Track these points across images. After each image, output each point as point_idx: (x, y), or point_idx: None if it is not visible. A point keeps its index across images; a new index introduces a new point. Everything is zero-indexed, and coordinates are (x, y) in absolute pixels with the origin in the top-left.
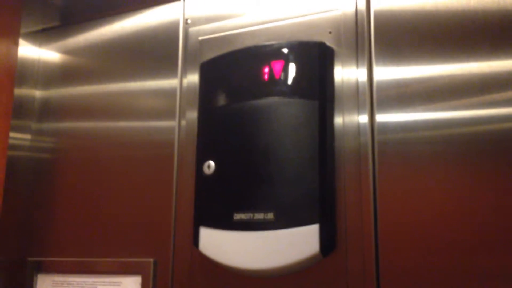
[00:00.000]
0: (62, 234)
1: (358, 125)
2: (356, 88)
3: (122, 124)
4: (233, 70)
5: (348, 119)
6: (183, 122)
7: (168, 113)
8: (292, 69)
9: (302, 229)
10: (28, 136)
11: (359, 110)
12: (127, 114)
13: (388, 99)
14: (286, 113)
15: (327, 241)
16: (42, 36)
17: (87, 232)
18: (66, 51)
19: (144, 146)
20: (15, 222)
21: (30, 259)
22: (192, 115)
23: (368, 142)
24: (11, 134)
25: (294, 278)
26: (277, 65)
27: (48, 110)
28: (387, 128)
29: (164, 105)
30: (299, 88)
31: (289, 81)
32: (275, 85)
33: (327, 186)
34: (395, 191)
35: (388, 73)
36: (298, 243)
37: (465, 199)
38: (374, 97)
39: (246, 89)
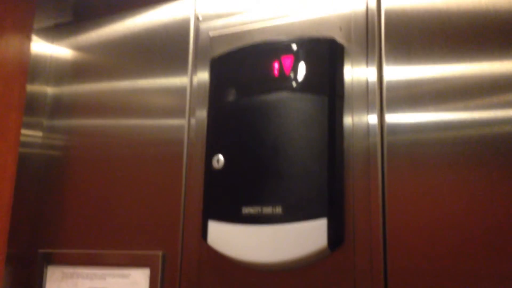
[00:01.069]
0: (72, 227)
1: (368, 125)
2: (365, 87)
3: (132, 122)
4: (243, 66)
5: (357, 119)
6: (193, 120)
7: (178, 111)
8: (302, 64)
9: (310, 223)
10: (40, 133)
11: (368, 109)
12: (137, 112)
13: (398, 99)
14: (295, 108)
15: (335, 236)
16: (54, 32)
17: (97, 225)
18: (78, 48)
19: (154, 143)
20: (26, 215)
21: (40, 251)
22: (202, 113)
23: (378, 142)
24: (23, 131)
25: (302, 272)
26: (287, 61)
27: (60, 107)
28: (397, 128)
29: (174, 102)
30: (309, 83)
31: (299, 77)
32: (285, 81)
33: (336, 181)
34: (404, 191)
35: (398, 72)
36: (306, 237)
37: (476, 202)
38: (384, 97)
39: (256, 84)
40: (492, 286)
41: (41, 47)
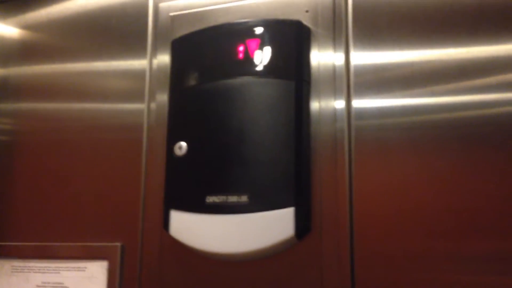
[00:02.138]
0: (22, 218)
1: (335, 110)
2: (333, 72)
3: (88, 105)
4: (206, 48)
5: (324, 104)
6: (153, 105)
7: (137, 95)
8: (267, 47)
9: (277, 212)
10: None
11: (335, 94)
12: (93, 96)
13: (365, 84)
14: (261, 93)
15: (302, 225)
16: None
17: (50, 216)
18: (26, 26)
19: (111, 129)
20: None
21: None
22: (163, 97)
23: (345, 127)
24: None
25: (269, 261)
26: (252, 44)
27: (7, 89)
28: (364, 113)
29: (133, 86)
30: (275, 67)
31: (265, 60)
32: (250, 64)
33: (302, 169)
34: (371, 177)
35: (365, 57)
36: (272, 226)
37: (442, 185)
38: (351, 81)
39: (219, 68)
40: (460, 268)
41: None
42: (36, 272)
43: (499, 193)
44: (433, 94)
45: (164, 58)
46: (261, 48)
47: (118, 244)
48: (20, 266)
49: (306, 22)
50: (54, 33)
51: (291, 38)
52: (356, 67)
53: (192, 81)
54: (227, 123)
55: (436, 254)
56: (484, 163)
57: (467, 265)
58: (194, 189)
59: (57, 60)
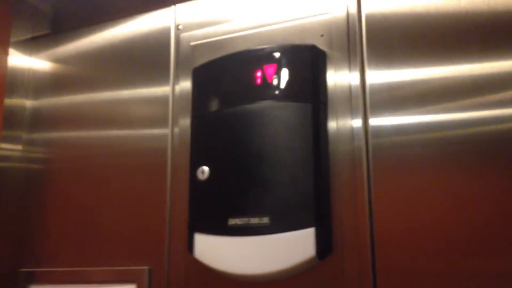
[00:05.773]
0: (55, 244)
1: (352, 129)
2: (349, 92)
3: (115, 132)
4: (225, 75)
5: (342, 123)
6: (176, 130)
7: (161, 121)
8: (284, 72)
9: (298, 233)
10: (19, 147)
11: (352, 114)
12: (119, 123)
13: (381, 102)
14: (279, 117)
15: (323, 245)
16: (32, 44)
17: (80, 241)
18: (56, 60)
19: (137, 154)
20: (6, 233)
21: (21, 270)
22: (185, 122)
23: (362, 146)
24: (2, 145)
25: (291, 282)
26: (270, 69)
27: (39, 120)
28: (380, 131)
29: (156, 112)
30: (292, 91)
31: (282, 85)
32: (268, 89)
33: (322, 190)
34: (390, 194)
35: (380, 76)
36: (294, 247)
37: (460, 201)
38: (367, 100)
39: (239, 94)
40: (479, 285)
41: (18, 60)
42: None
43: None
44: (448, 111)
45: (186, 85)
46: (278, 72)
47: (146, 267)
48: None
49: (321, 46)
50: (82, 65)
51: (306, 62)
52: (371, 86)
53: (212, 107)
54: (247, 146)
55: (458, 271)
56: (502, 178)
57: (490, 283)
58: (217, 212)
59: (85, 90)
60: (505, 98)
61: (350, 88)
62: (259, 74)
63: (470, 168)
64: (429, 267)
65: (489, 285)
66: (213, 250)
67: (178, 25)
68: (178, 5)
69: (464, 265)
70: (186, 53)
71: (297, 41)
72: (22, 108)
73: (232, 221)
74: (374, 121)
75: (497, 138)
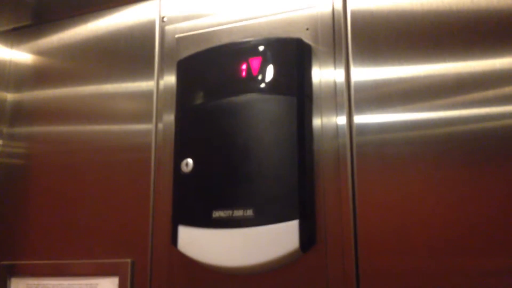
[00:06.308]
0: (36, 237)
1: (337, 126)
2: (334, 88)
3: (98, 127)
4: (210, 68)
5: (326, 120)
6: (160, 125)
7: (145, 116)
8: (269, 65)
9: (282, 225)
10: None
11: (337, 110)
12: (102, 117)
13: (366, 99)
14: (264, 110)
15: (307, 237)
16: (13, 35)
17: (62, 234)
18: (38, 52)
19: (121, 149)
20: None
21: (2, 262)
22: (169, 117)
23: (347, 143)
24: None
25: (274, 274)
26: (255, 62)
27: (20, 113)
28: (365, 129)
29: (141, 107)
30: (277, 84)
31: (267, 78)
32: (253, 82)
33: (306, 183)
34: (374, 191)
35: (365, 73)
36: (278, 239)
37: (444, 199)
38: (352, 97)
39: (223, 86)
40: (463, 282)
41: None
42: None
43: (501, 205)
44: (432, 108)
45: (170, 79)
46: (263, 65)
47: (129, 260)
48: (34, 284)
49: (306, 39)
50: (65, 58)
51: (292, 55)
52: (356, 83)
53: (197, 100)
54: (232, 139)
55: (439, 267)
56: (486, 176)
57: (471, 280)
58: (201, 204)
59: (68, 83)
60: (490, 96)
61: (335, 85)
62: (244, 67)
63: (454, 166)
64: (411, 263)
65: (473, 283)
66: (197, 242)
67: (163, 18)
68: None
69: (447, 262)
70: (171, 46)
71: (282, 34)
72: (3, 101)
73: (216, 214)
74: (358, 119)
75: (482, 136)
